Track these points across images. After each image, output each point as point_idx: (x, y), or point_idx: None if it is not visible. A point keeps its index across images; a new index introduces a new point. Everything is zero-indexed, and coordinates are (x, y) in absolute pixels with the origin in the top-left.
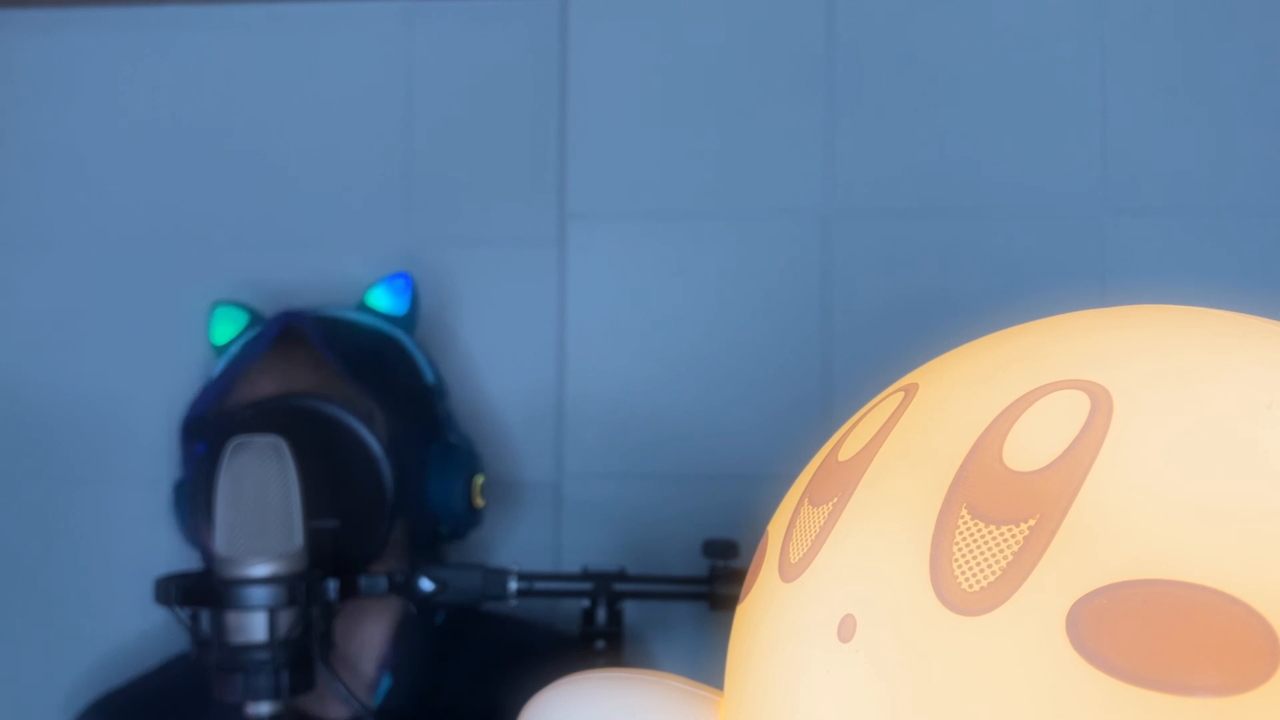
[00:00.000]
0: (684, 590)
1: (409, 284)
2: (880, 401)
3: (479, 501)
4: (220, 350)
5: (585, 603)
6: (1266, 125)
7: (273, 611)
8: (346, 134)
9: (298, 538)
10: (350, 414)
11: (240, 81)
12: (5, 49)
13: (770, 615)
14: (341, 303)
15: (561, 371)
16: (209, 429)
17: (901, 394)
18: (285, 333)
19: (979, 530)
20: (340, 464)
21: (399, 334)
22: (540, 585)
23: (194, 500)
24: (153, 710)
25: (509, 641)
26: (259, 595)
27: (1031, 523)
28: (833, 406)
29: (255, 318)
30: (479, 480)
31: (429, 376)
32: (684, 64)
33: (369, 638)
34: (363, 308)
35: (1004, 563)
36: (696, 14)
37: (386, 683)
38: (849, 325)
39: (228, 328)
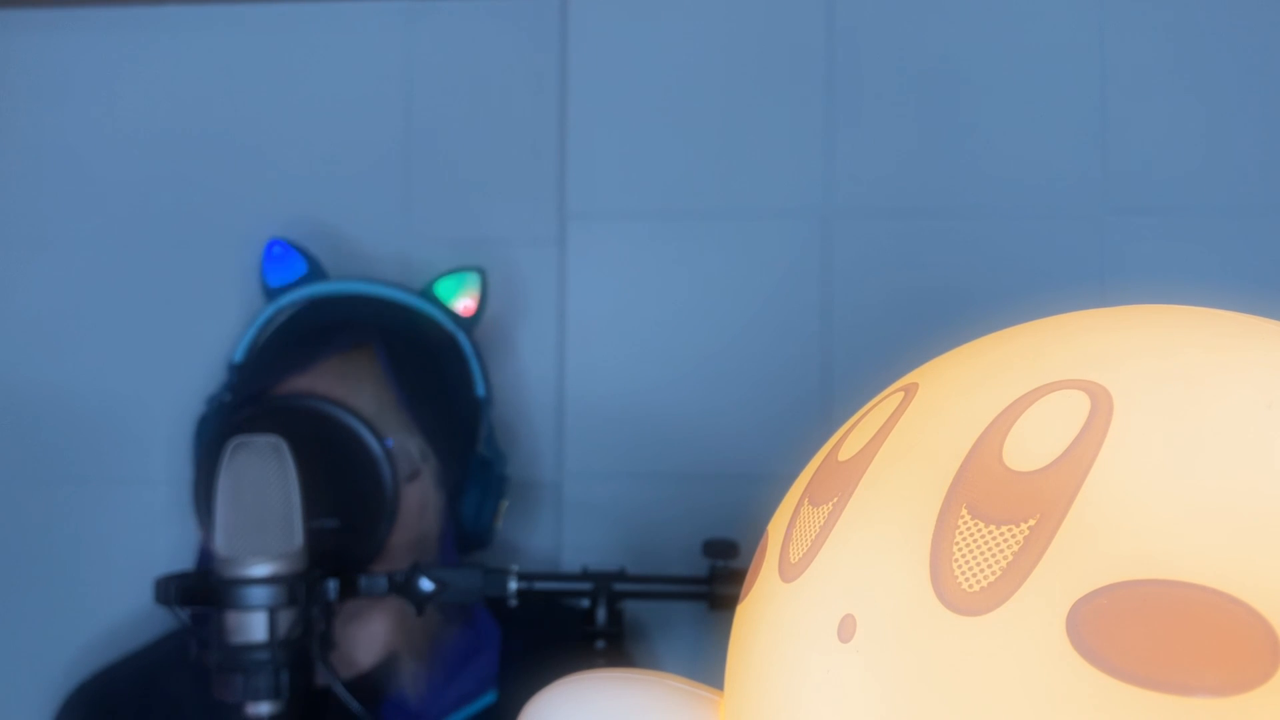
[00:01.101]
0: (684, 590)
1: (481, 281)
2: (880, 401)
3: (498, 522)
4: (273, 294)
5: (585, 603)
6: (1266, 125)
7: (273, 611)
8: (346, 134)
9: (298, 538)
10: (350, 414)
11: (240, 81)
12: (4, 49)
13: (770, 615)
14: None
15: (561, 371)
16: (250, 420)
17: (901, 394)
18: (358, 347)
19: (979, 530)
20: (340, 464)
21: (460, 338)
22: (540, 585)
23: (196, 494)
24: (145, 687)
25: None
26: (259, 595)
27: (1031, 523)
28: (833, 406)
29: (313, 266)
30: (503, 504)
31: (480, 388)
32: (684, 64)
33: (371, 625)
34: (428, 295)
35: (1004, 563)
36: (696, 14)
37: (491, 698)
38: (849, 325)
39: (283, 270)
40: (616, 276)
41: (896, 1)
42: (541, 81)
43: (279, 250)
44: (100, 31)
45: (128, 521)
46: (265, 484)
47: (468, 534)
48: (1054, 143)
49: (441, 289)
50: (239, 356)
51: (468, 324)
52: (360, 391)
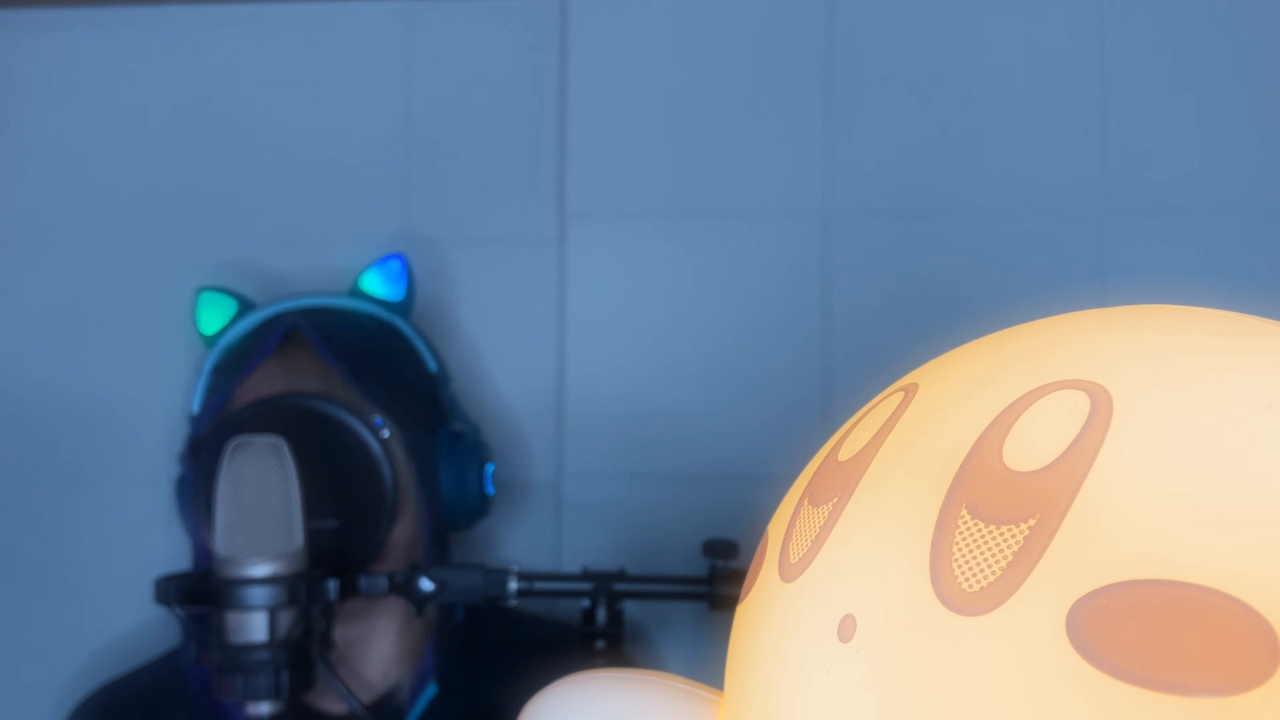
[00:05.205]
0: (684, 590)
1: (404, 266)
2: (880, 401)
3: (489, 489)
4: (210, 340)
5: (585, 603)
6: (1266, 125)
7: (273, 611)
8: (347, 133)
9: (298, 538)
10: (351, 414)
11: (241, 81)
12: (5, 49)
13: (770, 615)
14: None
15: (561, 371)
16: (213, 436)
17: (901, 394)
18: (287, 338)
19: (979, 530)
20: (340, 464)
21: (397, 321)
22: (540, 585)
23: (194, 500)
24: (151, 701)
25: (534, 639)
26: (259, 595)
27: (1031, 523)
28: (833, 406)
29: (244, 304)
30: (489, 467)
31: (431, 364)
32: (684, 64)
33: (380, 640)
34: (356, 293)
35: (1004, 563)
36: (696, 14)
37: (431, 690)
38: (849, 325)
39: (215, 315)
40: (616, 276)
41: (896, 1)
42: (541, 81)
43: (207, 298)
44: (101, 31)
45: (128, 521)
46: (265, 484)
47: (454, 508)
48: (1054, 143)
49: (366, 283)
50: (196, 407)
51: (402, 308)
52: (303, 381)
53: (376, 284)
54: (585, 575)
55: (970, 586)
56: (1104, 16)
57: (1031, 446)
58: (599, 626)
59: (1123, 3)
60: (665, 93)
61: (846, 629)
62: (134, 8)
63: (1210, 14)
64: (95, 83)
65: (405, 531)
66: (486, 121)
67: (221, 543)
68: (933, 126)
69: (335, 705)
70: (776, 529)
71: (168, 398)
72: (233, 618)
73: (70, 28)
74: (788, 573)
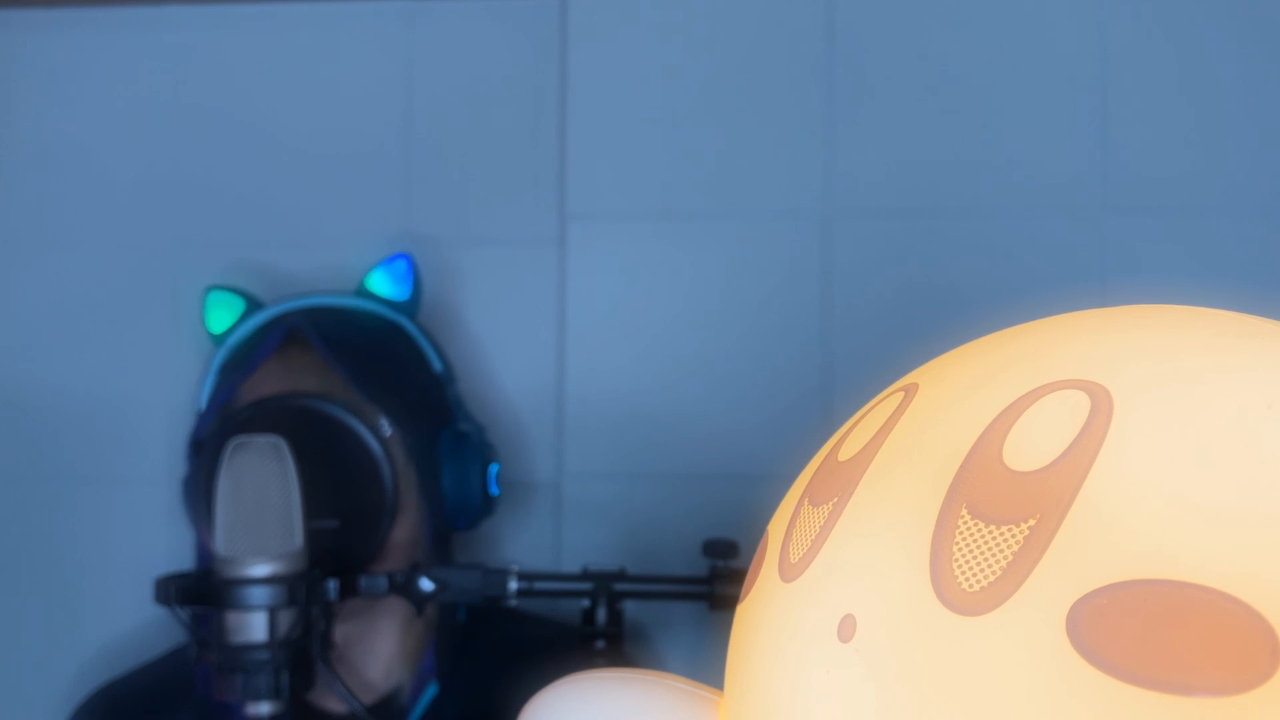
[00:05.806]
0: (684, 590)
1: (410, 266)
2: (880, 401)
3: (494, 489)
4: (219, 339)
5: (585, 603)
6: (1266, 125)
7: (273, 611)
8: (347, 134)
9: (298, 538)
10: (351, 414)
11: (242, 82)
12: (6, 49)
13: (770, 615)
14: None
15: (561, 371)
16: (214, 435)
17: (901, 394)
18: (288, 338)
19: (979, 530)
20: (340, 464)
21: (403, 320)
22: (540, 585)
23: (195, 500)
24: (154, 700)
25: (534, 639)
26: (259, 595)
27: (1031, 523)
28: (833, 406)
29: (252, 303)
30: (493, 468)
31: (436, 364)
32: (684, 64)
33: (381, 640)
34: (363, 292)
35: (1004, 563)
36: (696, 14)
37: (432, 690)
38: (849, 325)
39: (224, 314)
40: (616, 276)
41: (896, 1)
42: (541, 82)
43: (216, 297)
44: (103, 31)
45: (128, 521)
46: (265, 484)
47: (456, 508)
48: (1054, 143)
49: (372, 282)
50: (203, 405)
51: (408, 308)
52: (305, 380)
53: (382, 283)
54: (585, 575)
55: (970, 586)
56: (1104, 16)
57: (1032, 446)
58: (599, 626)
59: (1123, 3)
60: (665, 93)
61: (846, 629)
62: (135, 7)
63: (1210, 14)
64: (97, 82)
65: (406, 531)
66: (486, 121)
67: (221, 543)
68: (932, 126)
69: (336, 705)
70: (776, 529)
71: (169, 397)
72: (233, 618)
73: (71, 28)
74: (788, 573)
